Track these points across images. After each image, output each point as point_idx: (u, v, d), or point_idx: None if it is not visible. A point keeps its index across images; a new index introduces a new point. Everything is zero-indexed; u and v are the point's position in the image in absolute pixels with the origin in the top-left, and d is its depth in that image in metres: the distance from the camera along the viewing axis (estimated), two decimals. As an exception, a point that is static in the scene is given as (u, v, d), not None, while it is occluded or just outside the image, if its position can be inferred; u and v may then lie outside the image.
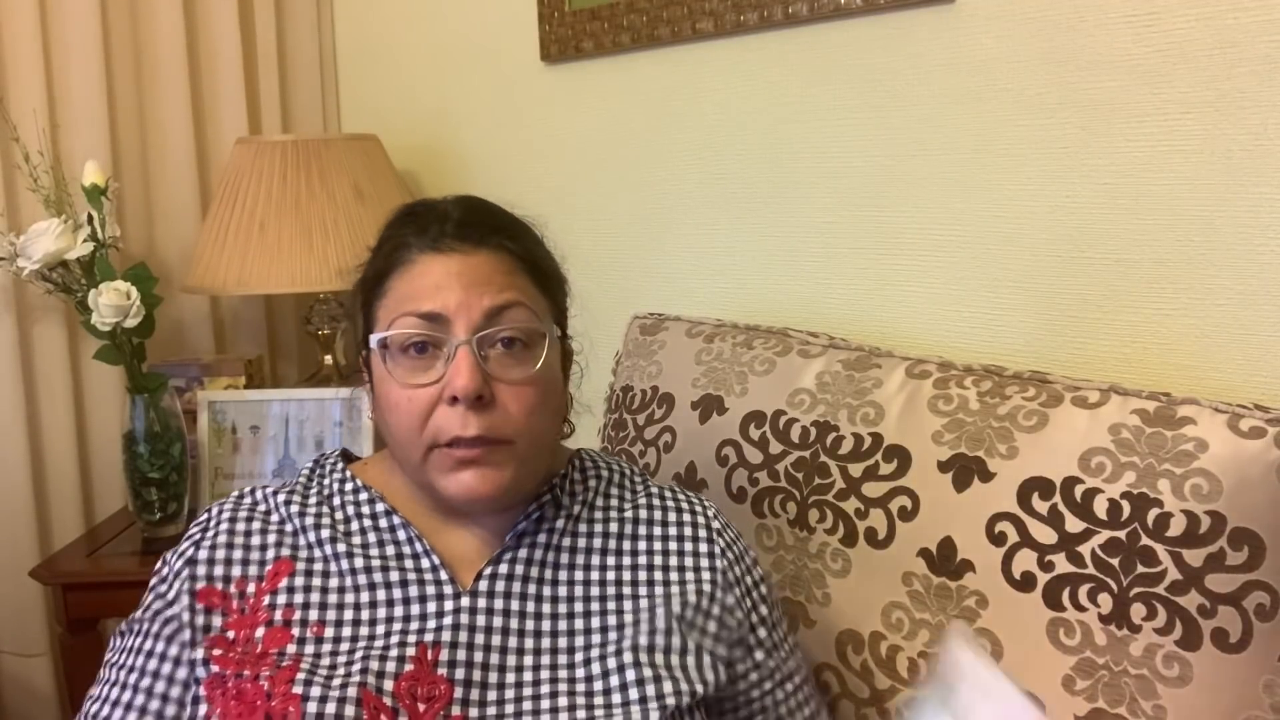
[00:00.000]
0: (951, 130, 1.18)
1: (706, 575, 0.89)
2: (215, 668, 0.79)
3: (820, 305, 1.33)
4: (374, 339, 0.83)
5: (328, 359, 1.79)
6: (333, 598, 0.81)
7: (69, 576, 1.52)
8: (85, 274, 1.55)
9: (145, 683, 0.81)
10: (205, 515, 0.88)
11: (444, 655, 0.78)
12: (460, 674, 0.78)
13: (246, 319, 1.97)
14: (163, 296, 1.62)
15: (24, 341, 1.68)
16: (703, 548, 0.90)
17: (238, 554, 0.84)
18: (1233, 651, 0.83)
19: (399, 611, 0.81)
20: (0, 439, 1.67)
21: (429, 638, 0.79)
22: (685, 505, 0.93)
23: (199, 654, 0.80)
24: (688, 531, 0.91)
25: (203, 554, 0.84)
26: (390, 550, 0.84)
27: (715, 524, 0.92)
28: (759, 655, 0.91)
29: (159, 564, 0.87)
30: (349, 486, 0.88)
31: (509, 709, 0.78)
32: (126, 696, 0.81)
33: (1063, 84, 1.08)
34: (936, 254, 1.21)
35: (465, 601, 0.81)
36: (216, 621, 0.81)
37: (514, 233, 0.87)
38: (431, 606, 0.81)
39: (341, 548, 0.83)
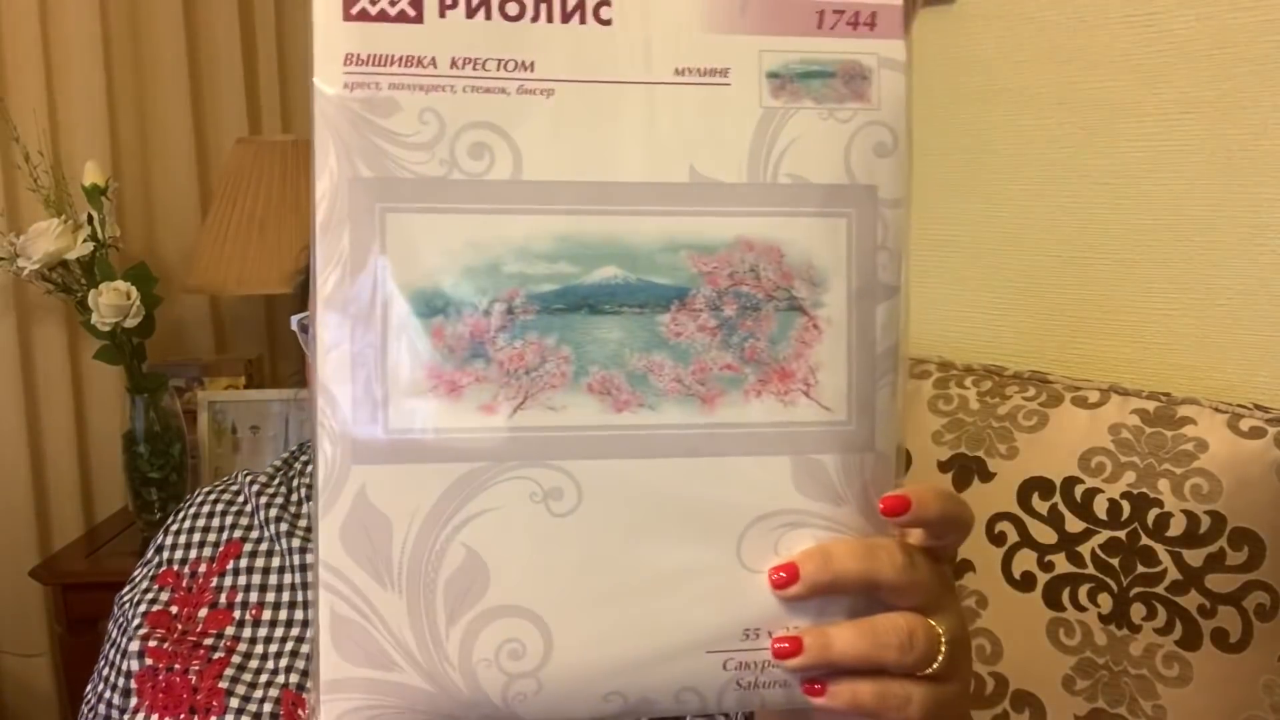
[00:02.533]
0: (951, 130, 1.18)
1: None
2: (149, 660, 0.79)
3: (820, 305, 1.33)
4: (294, 320, 0.80)
5: (328, 359, 1.78)
6: (273, 578, 0.82)
7: (69, 576, 1.52)
8: (85, 274, 1.54)
9: (108, 674, 0.83)
10: (186, 500, 0.90)
11: None
12: None
13: (246, 319, 1.97)
14: (163, 296, 1.62)
15: (24, 341, 1.68)
16: None
17: (197, 537, 0.85)
18: (1233, 651, 0.83)
19: None
20: (0, 439, 1.67)
21: None
22: None
23: (135, 645, 0.80)
24: None
25: (169, 540, 0.86)
26: None
27: None
28: None
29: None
30: (310, 469, 0.88)
31: None
32: (100, 689, 0.83)
33: (1063, 84, 1.08)
34: (936, 254, 1.21)
35: None
36: (164, 597, 0.82)
37: None
38: None
39: (284, 527, 0.83)
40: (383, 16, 0.36)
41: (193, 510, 0.87)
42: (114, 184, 1.63)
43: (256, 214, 1.61)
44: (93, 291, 1.50)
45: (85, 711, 0.84)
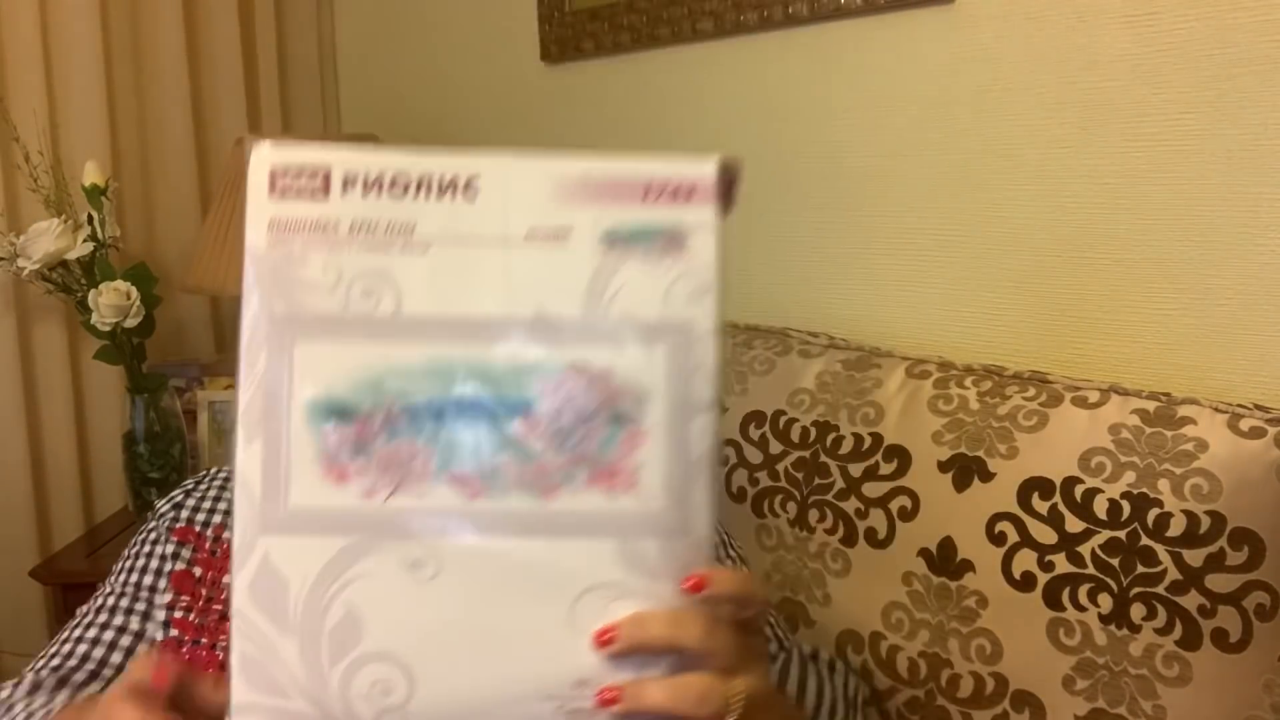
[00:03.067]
0: (951, 130, 1.18)
1: None
2: (174, 631, 0.79)
3: (820, 305, 1.33)
4: None
5: (328, 359, 1.78)
6: None
7: (69, 576, 1.52)
8: (85, 274, 1.55)
9: (116, 620, 0.82)
10: (203, 472, 0.90)
11: None
12: None
13: (246, 319, 1.96)
14: (162, 296, 1.62)
15: (24, 341, 1.68)
16: None
17: (223, 505, 0.86)
18: (1233, 651, 0.83)
19: None
20: (0, 439, 1.67)
21: None
22: None
23: (161, 614, 0.80)
24: None
25: (190, 501, 0.86)
26: None
27: None
28: None
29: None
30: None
31: None
32: (91, 634, 0.82)
33: (1063, 84, 1.08)
34: (936, 254, 1.21)
35: None
36: (185, 554, 0.82)
37: None
38: None
39: None
40: (298, 194, 0.47)
41: (217, 484, 0.88)
42: (114, 184, 1.63)
43: (256, 214, 1.60)
44: (93, 291, 1.50)
45: (81, 646, 0.83)
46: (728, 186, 0.48)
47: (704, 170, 0.48)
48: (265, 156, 0.47)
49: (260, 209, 0.47)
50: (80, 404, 1.76)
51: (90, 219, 1.54)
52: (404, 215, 0.46)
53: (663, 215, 0.48)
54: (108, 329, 1.50)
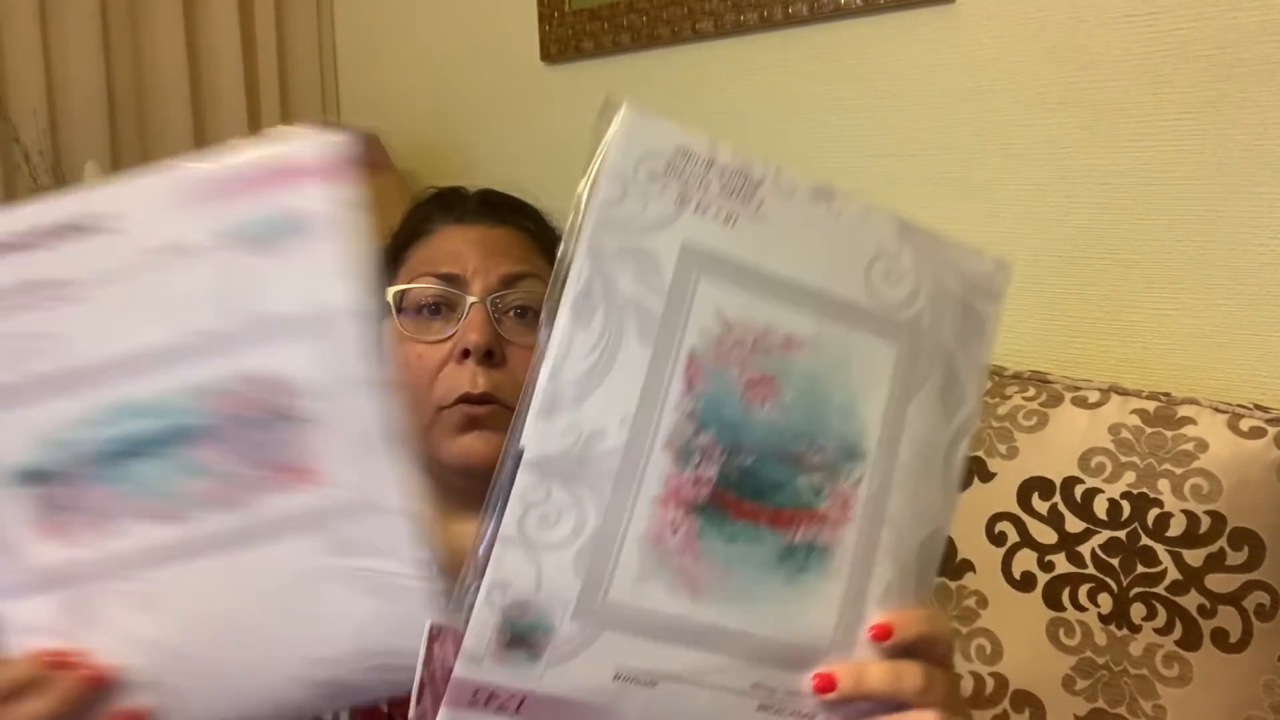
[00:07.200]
0: (951, 130, 1.18)
1: None
2: None
3: (820, 305, 1.33)
4: (390, 293, 0.84)
5: (328, 359, 1.78)
6: None
7: (69, 576, 1.52)
8: (85, 274, 1.54)
9: None
10: None
11: None
12: None
13: (246, 319, 1.97)
14: (163, 296, 1.62)
15: (24, 341, 1.68)
16: None
17: None
18: (1233, 651, 0.83)
19: None
20: (0, 439, 1.67)
21: None
22: None
23: None
24: None
25: None
26: None
27: None
28: None
29: None
30: None
31: None
32: None
33: (1063, 84, 1.08)
34: (936, 254, 1.21)
35: None
36: None
37: (534, 216, 0.91)
38: None
39: None
40: None
41: None
42: (114, 184, 1.63)
43: (256, 214, 1.60)
44: (93, 291, 1.50)
45: None
46: (370, 154, 0.46)
47: (314, 149, 0.45)
48: None
49: None
50: (80, 404, 1.76)
51: (90, 219, 1.54)
52: (52, 269, 0.46)
53: (283, 203, 0.46)
54: (108, 329, 1.50)
